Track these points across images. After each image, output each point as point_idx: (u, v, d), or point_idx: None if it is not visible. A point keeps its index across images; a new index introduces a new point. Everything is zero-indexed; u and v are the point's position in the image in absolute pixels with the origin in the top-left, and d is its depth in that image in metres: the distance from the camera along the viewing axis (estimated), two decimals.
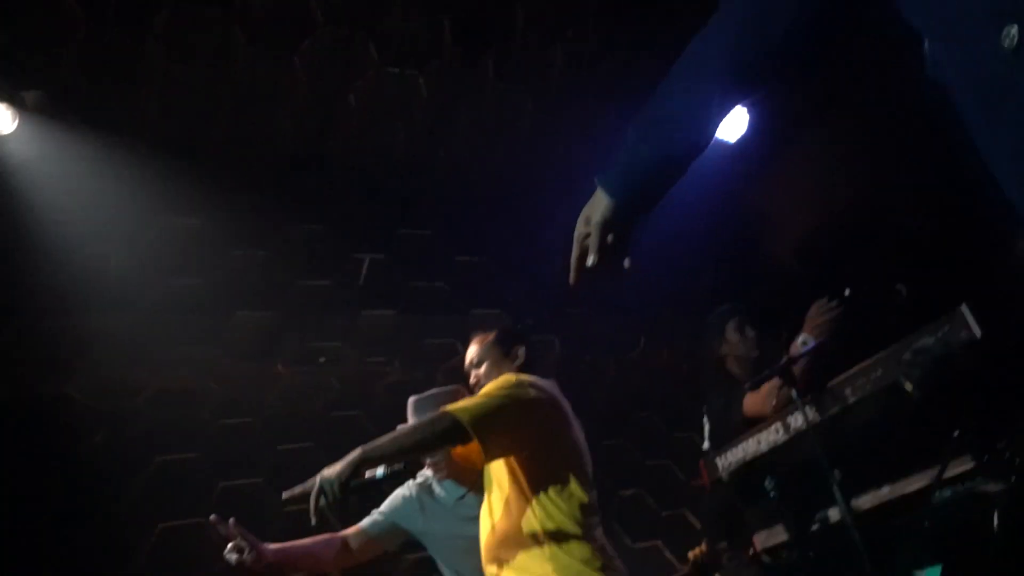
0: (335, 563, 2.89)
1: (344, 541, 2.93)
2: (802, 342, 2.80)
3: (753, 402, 3.02)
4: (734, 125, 4.77)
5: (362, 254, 5.28)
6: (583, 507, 2.06)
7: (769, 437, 2.73)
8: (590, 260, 1.35)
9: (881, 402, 2.41)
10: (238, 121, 4.55)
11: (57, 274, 4.55)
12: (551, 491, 2.06)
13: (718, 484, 2.99)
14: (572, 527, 2.00)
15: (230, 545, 2.52)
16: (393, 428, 5.85)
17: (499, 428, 2.05)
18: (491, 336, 2.54)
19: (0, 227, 4.18)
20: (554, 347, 5.54)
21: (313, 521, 1.82)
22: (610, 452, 6.07)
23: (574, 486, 2.08)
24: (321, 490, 1.85)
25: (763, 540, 2.97)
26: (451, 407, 2.03)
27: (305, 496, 1.88)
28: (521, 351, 2.50)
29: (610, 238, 1.33)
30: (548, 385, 2.26)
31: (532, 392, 2.14)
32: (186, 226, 4.93)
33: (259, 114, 4.59)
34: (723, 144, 4.78)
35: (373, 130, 4.76)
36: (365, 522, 3.01)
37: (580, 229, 1.39)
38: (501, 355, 2.49)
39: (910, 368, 2.19)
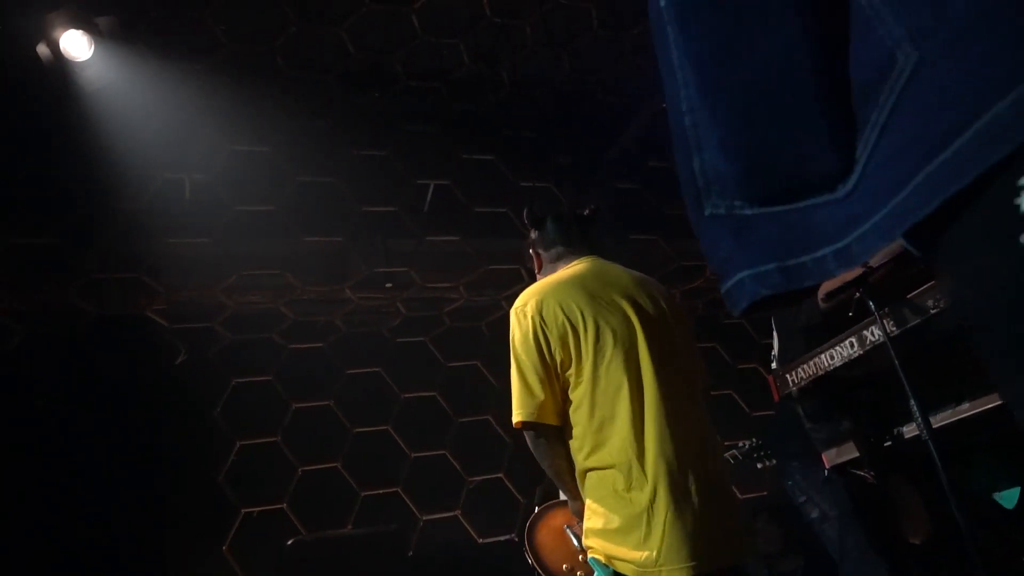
0: None
1: None
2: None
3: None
4: None
5: (426, 180, 5.29)
6: (586, 436, 1.84)
7: (843, 351, 2.66)
8: None
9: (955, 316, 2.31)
10: (303, 39, 4.56)
11: (136, 198, 4.71)
12: (569, 431, 1.89)
13: (787, 400, 2.94)
14: (585, 461, 1.85)
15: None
16: (456, 356, 5.93)
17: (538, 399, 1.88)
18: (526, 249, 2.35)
19: (81, 152, 4.32)
20: None
21: None
22: None
23: (575, 418, 1.86)
24: None
25: (833, 458, 2.93)
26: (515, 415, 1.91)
27: None
28: (534, 255, 2.23)
29: None
30: (542, 297, 1.95)
31: (520, 333, 1.92)
32: (255, 154, 5.03)
33: (323, 32, 4.59)
34: None
35: (436, 49, 4.70)
36: None
37: None
38: (535, 267, 2.26)
39: None
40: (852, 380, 2.75)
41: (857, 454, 2.80)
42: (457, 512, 5.63)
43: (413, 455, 5.71)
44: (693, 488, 1.76)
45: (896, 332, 2.45)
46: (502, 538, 5.79)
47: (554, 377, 1.86)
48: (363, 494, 5.47)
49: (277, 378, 5.63)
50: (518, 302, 1.99)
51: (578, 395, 1.85)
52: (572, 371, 1.86)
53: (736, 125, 0.56)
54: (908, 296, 2.42)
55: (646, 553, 1.68)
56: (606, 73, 5.00)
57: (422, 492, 5.62)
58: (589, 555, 1.84)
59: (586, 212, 2.21)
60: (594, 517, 1.81)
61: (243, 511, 5.21)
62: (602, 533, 1.78)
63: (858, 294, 2.54)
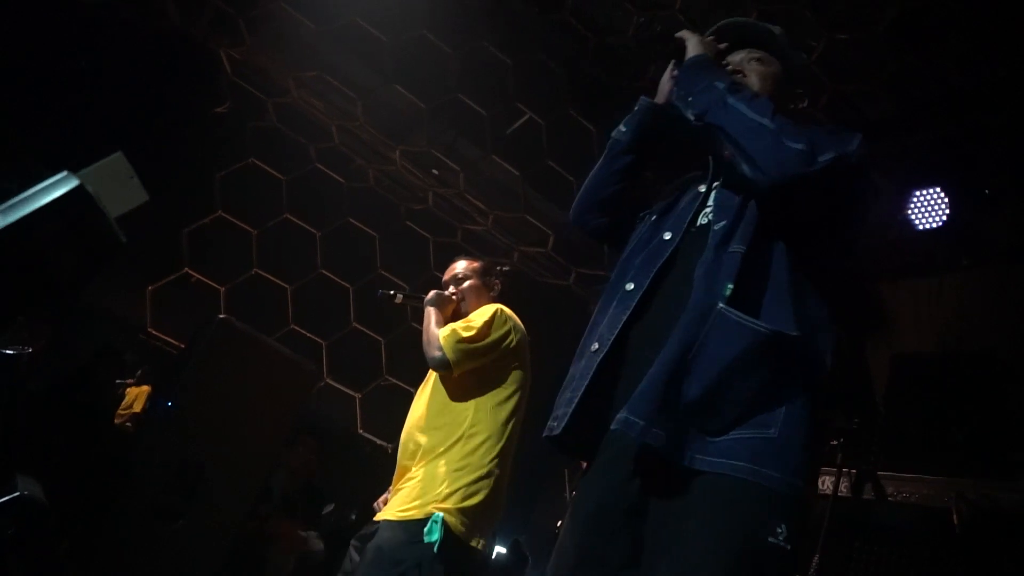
0: None
1: None
2: None
3: None
4: None
5: (526, 109, 5.27)
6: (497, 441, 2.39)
7: None
8: None
9: (912, 516, 2.41)
10: None
11: None
12: (491, 406, 2.42)
13: None
14: (487, 437, 2.37)
15: None
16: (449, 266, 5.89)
17: (475, 364, 2.42)
18: (477, 264, 2.83)
19: None
20: None
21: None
22: None
23: (508, 410, 2.44)
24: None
25: None
26: (446, 343, 2.38)
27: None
28: (498, 285, 2.79)
29: None
30: (519, 323, 2.58)
31: (513, 334, 2.50)
32: None
33: None
34: None
35: (617, 7, 4.65)
36: None
37: None
38: (483, 282, 2.76)
39: (964, 504, 2.17)
40: None
41: None
42: (358, 396, 5.69)
43: (354, 325, 5.74)
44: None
45: (845, 495, 2.54)
46: (378, 441, 5.87)
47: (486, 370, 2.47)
48: (291, 327, 5.50)
49: (288, 183, 5.60)
50: (503, 311, 2.56)
51: None
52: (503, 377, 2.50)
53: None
54: (877, 471, 2.51)
55: None
56: None
57: (341, 361, 5.66)
58: None
59: None
60: None
61: (186, 270, 5.22)
62: None
63: (834, 442, 2.63)
